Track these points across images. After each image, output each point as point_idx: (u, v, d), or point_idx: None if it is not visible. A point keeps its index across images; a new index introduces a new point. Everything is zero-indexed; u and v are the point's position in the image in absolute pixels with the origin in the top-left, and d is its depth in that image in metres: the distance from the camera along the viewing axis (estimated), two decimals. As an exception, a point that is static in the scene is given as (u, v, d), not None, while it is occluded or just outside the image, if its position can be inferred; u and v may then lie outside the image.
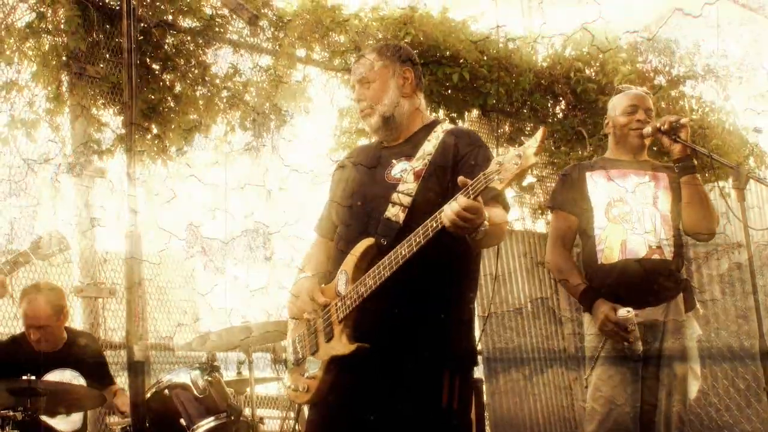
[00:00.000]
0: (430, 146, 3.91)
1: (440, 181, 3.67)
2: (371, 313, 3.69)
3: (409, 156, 3.94)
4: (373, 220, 3.85)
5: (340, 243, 4.01)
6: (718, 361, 8.38)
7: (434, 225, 3.41)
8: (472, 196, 3.29)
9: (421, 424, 3.66)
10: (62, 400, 5.36)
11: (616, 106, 5.29)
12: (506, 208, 3.83)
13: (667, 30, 9.67)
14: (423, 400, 3.68)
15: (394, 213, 3.79)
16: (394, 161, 3.97)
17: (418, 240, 3.46)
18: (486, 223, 3.38)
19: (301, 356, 3.96)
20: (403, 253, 3.51)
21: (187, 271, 7.16)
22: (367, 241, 3.78)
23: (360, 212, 3.96)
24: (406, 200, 3.79)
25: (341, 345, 3.71)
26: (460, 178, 3.34)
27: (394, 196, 3.82)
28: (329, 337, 3.78)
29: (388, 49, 4.14)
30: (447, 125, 4.05)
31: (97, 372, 6.09)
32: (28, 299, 5.86)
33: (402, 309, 3.67)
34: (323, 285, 3.95)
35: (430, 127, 4.04)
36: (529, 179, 3.30)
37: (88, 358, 6.01)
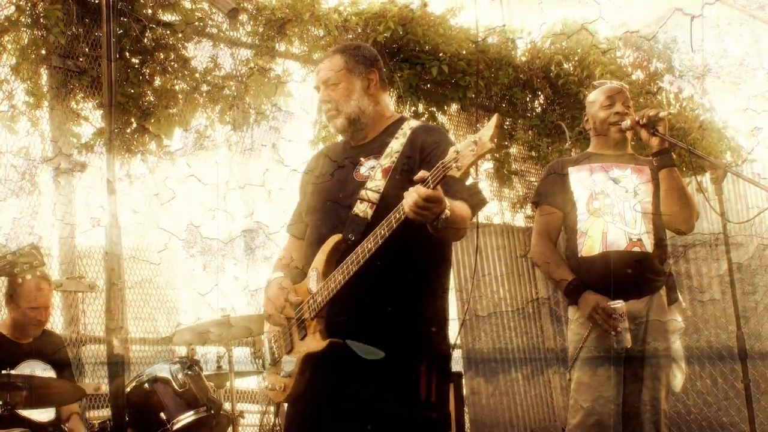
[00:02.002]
0: (397, 144, 3.93)
1: (408, 178, 3.66)
2: (343, 309, 3.72)
3: (377, 154, 3.96)
4: (342, 218, 3.87)
5: (311, 242, 4.03)
6: (717, 361, 8.40)
7: (397, 216, 3.45)
8: (432, 186, 3.32)
9: (399, 418, 3.68)
10: (41, 395, 5.34)
11: (594, 101, 5.32)
12: (479, 204, 3.84)
13: (665, 30, 9.72)
14: (400, 393, 3.70)
15: (363, 209, 3.82)
16: (362, 159, 3.99)
17: (383, 233, 3.50)
18: (447, 211, 3.40)
19: (277, 355, 3.98)
20: (369, 246, 3.55)
21: (170, 269, 7.16)
22: (335, 238, 3.80)
23: (330, 211, 3.98)
24: (374, 197, 3.81)
25: (314, 342, 3.73)
26: (419, 174, 3.37)
27: (363, 193, 3.85)
28: (303, 335, 3.80)
29: (352, 50, 4.14)
30: (413, 122, 4.06)
31: (67, 373, 6.08)
32: (35, 281, 5.83)
33: (374, 304, 3.70)
34: (295, 284, 3.96)
35: (396, 125, 4.05)
36: (487, 165, 3.39)
37: (56, 354, 6.00)
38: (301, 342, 3.81)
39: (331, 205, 3.97)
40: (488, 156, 3.28)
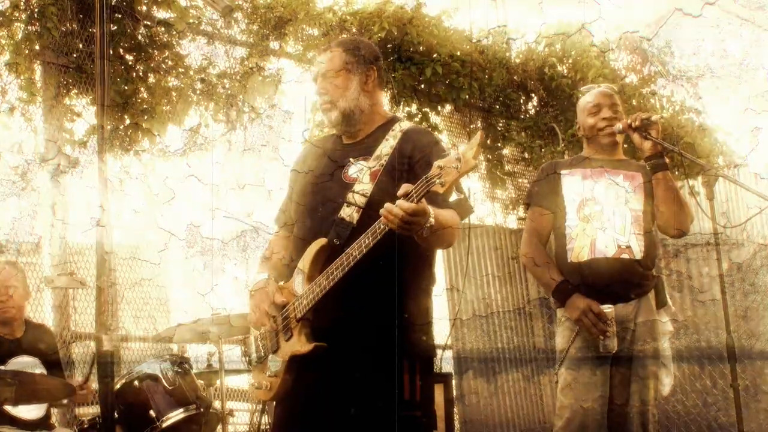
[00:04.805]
0: (387, 146, 3.93)
1: (395, 183, 3.66)
2: (328, 311, 3.74)
3: (367, 155, 3.96)
4: (328, 219, 3.88)
5: (298, 241, 4.04)
6: (717, 361, 8.41)
7: (382, 227, 3.47)
8: (415, 200, 3.35)
9: (384, 417, 3.70)
10: (29, 391, 5.32)
11: (582, 108, 5.32)
12: (466, 212, 3.84)
13: (661, 32, 9.72)
14: (384, 393, 3.71)
15: (349, 213, 3.83)
16: (351, 160, 3.99)
17: (367, 242, 3.53)
18: (431, 220, 3.43)
19: (263, 354, 4.00)
20: (354, 254, 3.57)
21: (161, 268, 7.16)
22: (320, 241, 3.82)
23: (316, 210, 3.99)
24: (361, 200, 3.82)
25: (300, 344, 3.77)
26: (402, 188, 3.39)
27: (350, 196, 3.85)
28: (289, 336, 3.82)
29: (354, 44, 4.15)
30: (405, 124, 4.06)
31: (55, 365, 6.06)
32: None
33: (357, 306, 3.73)
34: (281, 283, 3.99)
35: (388, 126, 4.05)
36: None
37: (46, 350, 5.98)
38: (286, 343, 3.83)
39: (319, 204, 3.98)
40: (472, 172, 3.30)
